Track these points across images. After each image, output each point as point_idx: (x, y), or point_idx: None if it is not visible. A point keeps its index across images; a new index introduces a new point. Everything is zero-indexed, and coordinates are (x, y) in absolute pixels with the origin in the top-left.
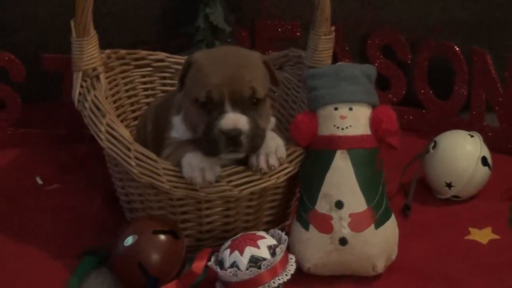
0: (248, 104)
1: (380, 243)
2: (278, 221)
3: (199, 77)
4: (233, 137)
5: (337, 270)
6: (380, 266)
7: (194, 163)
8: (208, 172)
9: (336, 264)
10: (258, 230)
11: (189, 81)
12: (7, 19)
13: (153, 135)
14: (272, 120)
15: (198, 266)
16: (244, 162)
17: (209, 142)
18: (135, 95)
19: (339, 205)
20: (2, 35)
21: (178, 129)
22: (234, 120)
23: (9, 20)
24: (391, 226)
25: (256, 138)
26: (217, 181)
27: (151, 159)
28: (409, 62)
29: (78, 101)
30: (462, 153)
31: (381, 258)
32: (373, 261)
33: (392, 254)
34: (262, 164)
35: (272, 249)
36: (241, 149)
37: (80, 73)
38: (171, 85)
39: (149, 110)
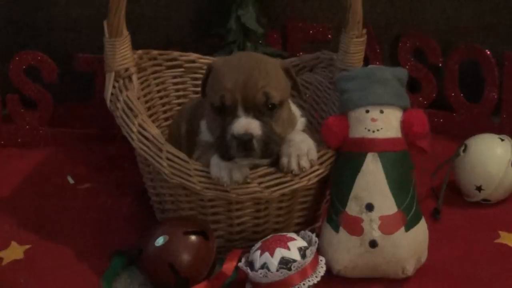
0: (263, 109)
1: (410, 245)
2: (308, 223)
3: (215, 83)
4: (244, 142)
5: (367, 273)
6: (410, 269)
7: (222, 163)
8: (236, 172)
9: (366, 267)
10: (289, 231)
11: (208, 87)
12: (40, 20)
13: (187, 137)
14: (303, 121)
15: (228, 267)
16: (276, 164)
17: (222, 147)
18: (167, 96)
19: (369, 207)
20: (35, 35)
21: (206, 133)
22: (246, 124)
23: (42, 20)
24: (421, 229)
25: (271, 143)
26: (247, 182)
27: (182, 159)
28: (440, 65)
29: (110, 101)
30: (493, 157)
31: (411, 261)
32: (403, 264)
33: (422, 257)
34: (294, 166)
35: (302, 251)
36: (254, 154)
37: (113, 74)
38: None
39: (184, 111)
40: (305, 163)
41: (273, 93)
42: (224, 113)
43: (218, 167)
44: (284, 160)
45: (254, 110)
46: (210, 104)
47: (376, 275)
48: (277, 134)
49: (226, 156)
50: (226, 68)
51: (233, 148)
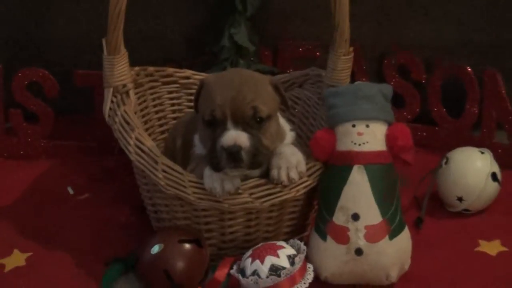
0: (252, 122)
1: (394, 253)
2: (297, 231)
3: (207, 98)
4: (233, 153)
5: (352, 279)
6: (394, 275)
7: (214, 175)
8: (228, 183)
9: (352, 274)
10: (278, 240)
11: (200, 101)
12: (41, 38)
13: (182, 150)
14: (293, 134)
15: (220, 274)
16: (266, 176)
17: (213, 158)
18: (163, 111)
19: (355, 217)
20: (37, 53)
21: (200, 146)
22: (235, 137)
23: (43, 38)
24: (405, 237)
25: (258, 155)
26: (239, 193)
27: (177, 171)
28: (423, 81)
29: (109, 115)
30: (473, 169)
31: (394, 268)
32: (387, 271)
33: (405, 264)
34: (283, 177)
35: (291, 259)
36: (243, 165)
37: (111, 89)
38: None
39: (179, 125)
40: (294, 174)
41: (261, 107)
42: (215, 126)
43: (211, 179)
44: (274, 172)
45: (243, 124)
46: (202, 118)
47: (362, 281)
48: (265, 146)
49: (217, 167)
50: (217, 84)
51: (223, 159)
